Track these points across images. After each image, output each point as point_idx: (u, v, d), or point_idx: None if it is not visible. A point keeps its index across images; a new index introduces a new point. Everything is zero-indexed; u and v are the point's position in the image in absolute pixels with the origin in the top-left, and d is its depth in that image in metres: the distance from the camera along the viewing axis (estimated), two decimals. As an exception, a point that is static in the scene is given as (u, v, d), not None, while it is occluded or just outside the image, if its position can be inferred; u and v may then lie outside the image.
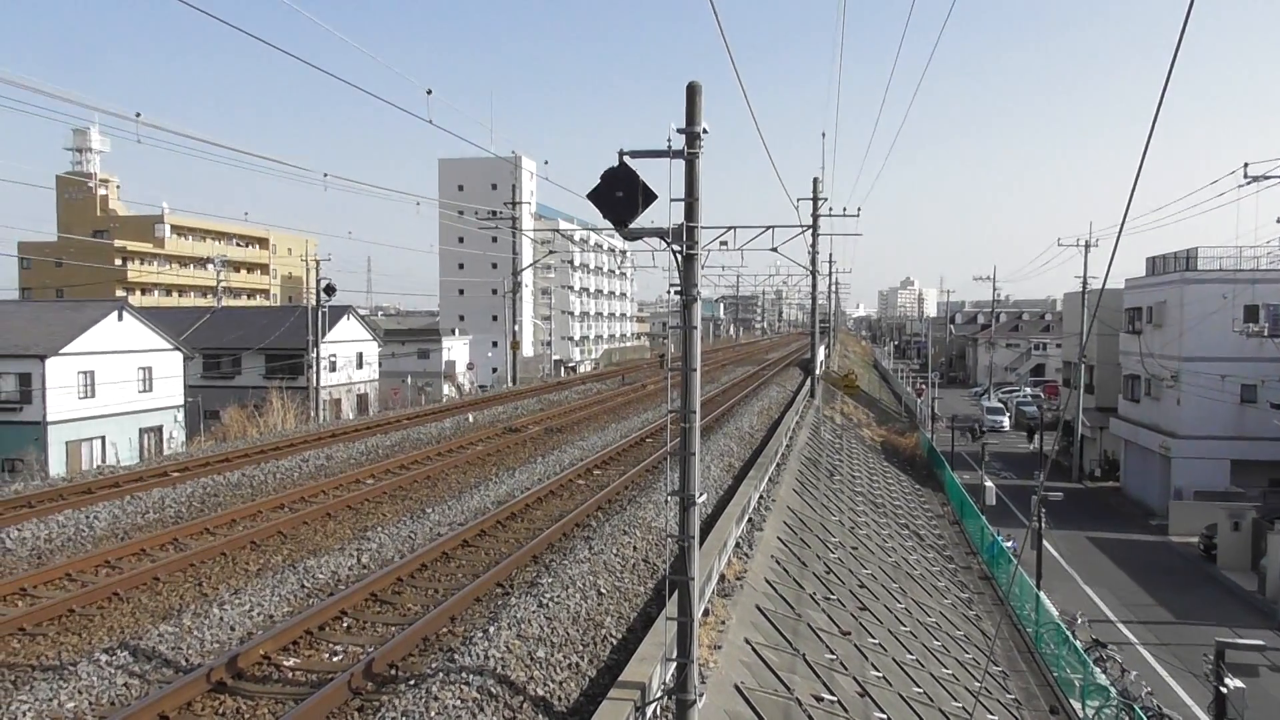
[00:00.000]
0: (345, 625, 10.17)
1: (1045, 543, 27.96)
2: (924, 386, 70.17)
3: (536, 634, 9.30)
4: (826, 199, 37.06)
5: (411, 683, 8.19)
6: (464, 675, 8.12)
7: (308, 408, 41.51)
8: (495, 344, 73.86)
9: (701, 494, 8.00)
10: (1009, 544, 27.86)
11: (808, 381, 42.68)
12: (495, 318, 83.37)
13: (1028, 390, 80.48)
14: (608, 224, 7.80)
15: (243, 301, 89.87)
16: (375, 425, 24.97)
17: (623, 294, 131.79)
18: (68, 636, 9.74)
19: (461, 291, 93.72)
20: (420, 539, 13.71)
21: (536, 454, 21.60)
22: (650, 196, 7.53)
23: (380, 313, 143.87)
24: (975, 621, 21.89)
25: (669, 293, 8.28)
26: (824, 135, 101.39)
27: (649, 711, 8.09)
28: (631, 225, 7.64)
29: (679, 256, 7.75)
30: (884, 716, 11.57)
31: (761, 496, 18.01)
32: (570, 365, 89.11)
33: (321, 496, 16.35)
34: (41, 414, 37.18)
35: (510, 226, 46.33)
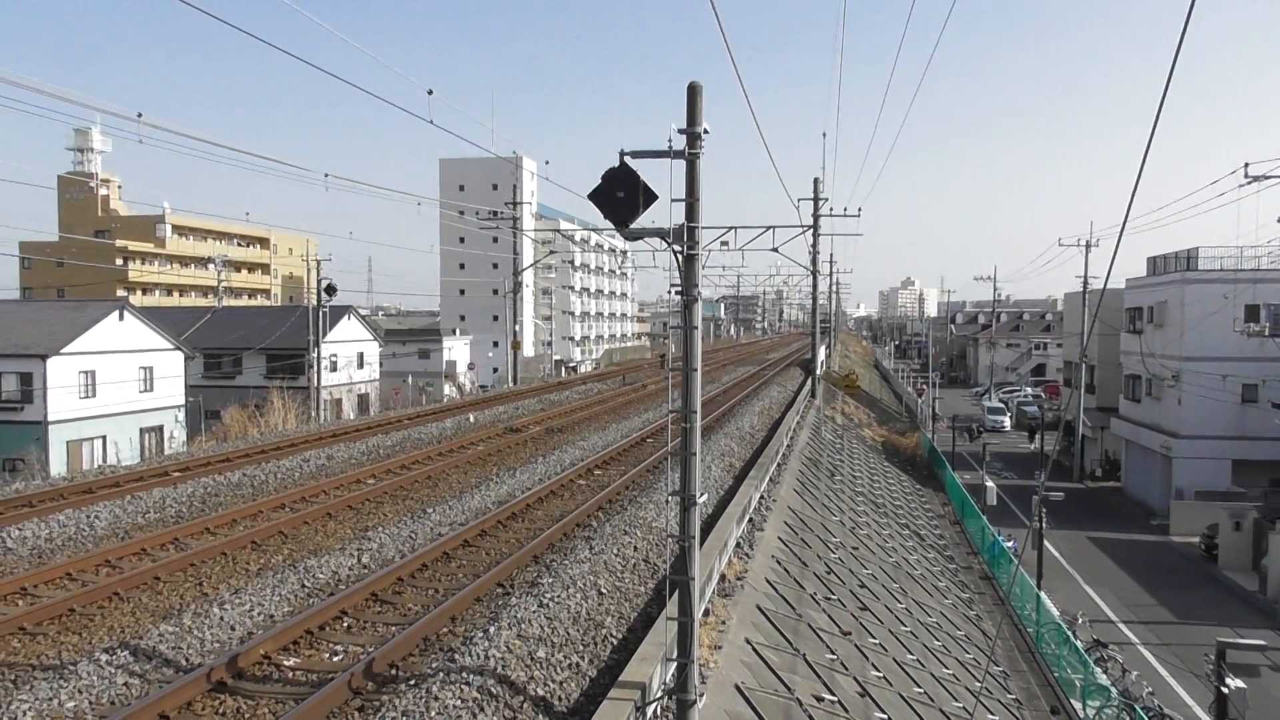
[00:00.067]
0: (346, 625, 10.17)
1: (1046, 543, 27.94)
2: (925, 386, 70.16)
3: (537, 634, 9.30)
4: (827, 199, 37.13)
5: (412, 683, 8.19)
6: (464, 675, 8.12)
7: (308, 408, 41.51)
8: (496, 344, 73.90)
9: (702, 494, 7.99)
10: (1010, 544, 27.85)
11: (808, 381, 42.67)
12: (496, 318, 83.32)
13: (1029, 390, 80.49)
14: (608, 224, 7.79)
15: (244, 301, 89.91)
16: (376, 425, 24.98)
17: (623, 294, 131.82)
18: (68, 636, 9.75)
19: (462, 291, 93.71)
20: (421, 539, 13.71)
21: (537, 454, 21.60)
22: (651, 197, 7.53)
23: (381, 313, 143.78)
24: (976, 621, 21.88)
25: (670, 293, 8.28)
26: (824, 135, 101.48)
27: (649, 711, 8.09)
28: (632, 225, 7.64)
29: (680, 257, 7.75)
30: (884, 716, 11.56)
31: (762, 496, 18.00)
32: (571, 365, 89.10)
33: (322, 496, 16.35)
34: (42, 414, 37.20)
35: (511, 227, 46.33)
